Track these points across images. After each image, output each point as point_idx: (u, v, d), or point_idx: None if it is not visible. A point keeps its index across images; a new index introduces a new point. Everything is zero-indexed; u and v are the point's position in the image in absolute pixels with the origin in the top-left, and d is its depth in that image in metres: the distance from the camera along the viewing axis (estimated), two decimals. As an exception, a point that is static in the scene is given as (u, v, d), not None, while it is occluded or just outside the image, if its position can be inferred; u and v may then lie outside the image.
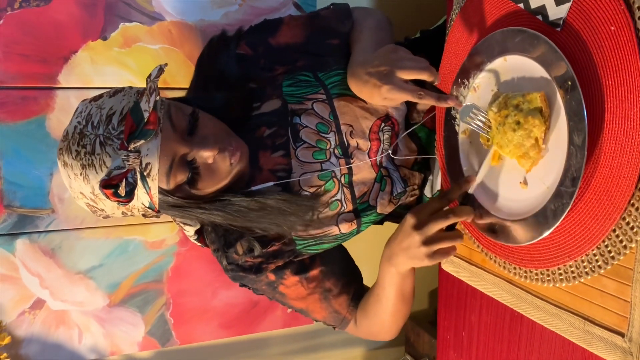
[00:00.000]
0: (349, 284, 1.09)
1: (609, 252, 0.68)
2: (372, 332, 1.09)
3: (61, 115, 1.33)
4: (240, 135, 0.96)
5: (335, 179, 1.01)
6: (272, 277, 1.02)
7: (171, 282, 1.52)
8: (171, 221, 1.49)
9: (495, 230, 0.81)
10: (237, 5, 1.44)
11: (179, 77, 1.42)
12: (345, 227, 1.04)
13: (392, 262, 0.91)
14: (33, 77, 1.31)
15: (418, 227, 0.83)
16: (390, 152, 1.04)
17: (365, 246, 1.33)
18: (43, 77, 1.32)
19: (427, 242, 0.83)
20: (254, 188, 0.97)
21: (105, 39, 1.35)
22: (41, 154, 1.34)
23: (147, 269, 1.49)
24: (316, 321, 1.11)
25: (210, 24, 1.43)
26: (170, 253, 1.51)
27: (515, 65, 0.78)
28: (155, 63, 1.38)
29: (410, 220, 0.85)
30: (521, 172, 0.77)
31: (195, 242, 1.09)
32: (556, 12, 0.72)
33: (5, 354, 1.34)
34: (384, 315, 1.03)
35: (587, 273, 0.71)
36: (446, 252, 0.85)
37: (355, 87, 0.97)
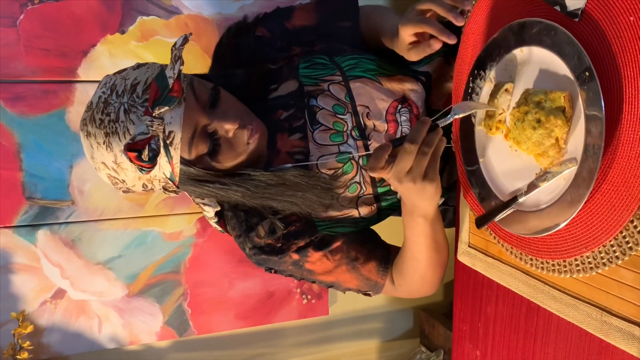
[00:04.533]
0: (374, 250, 1.06)
1: (627, 242, 0.68)
2: (413, 290, 1.06)
3: (80, 108, 1.35)
4: (258, 117, 0.98)
5: (353, 161, 1.02)
6: (295, 256, 1.01)
7: (189, 273, 1.54)
8: (189, 212, 1.51)
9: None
10: (253, -2, 1.46)
11: (196, 70, 1.41)
12: (364, 211, 1.04)
13: (415, 214, 0.89)
14: (53, 71, 1.33)
15: (413, 180, 0.79)
16: None
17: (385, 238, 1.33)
18: (63, 70, 1.34)
19: (425, 175, 0.80)
20: (271, 169, 0.98)
21: (123, 32, 1.37)
22: (61, 147, 1.36)
23: (165, 260, 1.51)
24: (349, 290, 1.09)
25: (227, 17, 1.44)
26: (188, 244, 1.53)
27: (533, 56, 0.78)
28: (172, 56, 1.40)
29: (401, 182, 0.81)
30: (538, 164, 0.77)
31: (216, 225, 1.09)
32: (574, 3, 0.72)
33: (28, 342, 1.37)
34: (422, 269, 0.99)
35: (604, 264, 0.71)
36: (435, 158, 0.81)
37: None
